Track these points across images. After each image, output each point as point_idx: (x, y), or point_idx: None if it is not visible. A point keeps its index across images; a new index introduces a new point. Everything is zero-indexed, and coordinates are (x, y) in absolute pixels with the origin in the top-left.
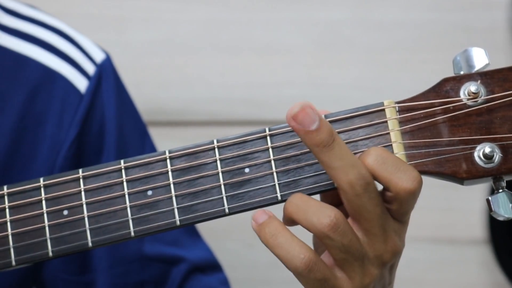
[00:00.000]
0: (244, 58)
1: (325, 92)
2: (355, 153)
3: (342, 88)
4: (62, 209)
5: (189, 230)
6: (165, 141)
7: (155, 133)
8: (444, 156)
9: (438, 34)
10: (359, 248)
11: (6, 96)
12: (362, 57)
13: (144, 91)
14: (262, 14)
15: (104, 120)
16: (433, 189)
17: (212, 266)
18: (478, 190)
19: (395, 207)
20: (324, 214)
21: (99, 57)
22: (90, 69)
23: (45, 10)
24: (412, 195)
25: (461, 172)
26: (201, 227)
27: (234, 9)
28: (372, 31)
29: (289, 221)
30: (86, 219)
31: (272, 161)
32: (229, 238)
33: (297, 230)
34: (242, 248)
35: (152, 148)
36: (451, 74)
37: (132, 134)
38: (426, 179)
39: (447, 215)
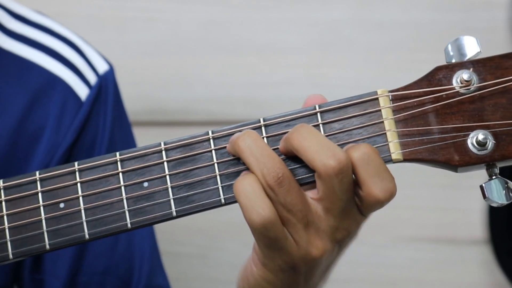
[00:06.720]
0: (244, 58)
1: (325, 92)
2: (348, 142)
3: (342, 88)
4: (59, 202)
5: (158, 256)
6: None
7: (155, 133)
8: (437, 143)
9: (438, 34)
10: (304, 212)
11: (9, 99)
12: (362, 57)
13: (144, 91)
14: (262, 14)
15: (98, 130)
16: (433, 189)
17: None
18: (478, 190)
19: (361, 206)
20: (274, 166)
21: (102, 68)
22: (92, 78)
23: (45, 10)
24: (379, 204)
25: (455, 159)
26: (201, 227)
27: (234, 9)
28: (372, 31)
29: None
30: (82, 211)
31: None
32: (229, 238)
33: None
34: (242, 248)
35: None
36: None
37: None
38: (425, 178)
39: (447, 215)
